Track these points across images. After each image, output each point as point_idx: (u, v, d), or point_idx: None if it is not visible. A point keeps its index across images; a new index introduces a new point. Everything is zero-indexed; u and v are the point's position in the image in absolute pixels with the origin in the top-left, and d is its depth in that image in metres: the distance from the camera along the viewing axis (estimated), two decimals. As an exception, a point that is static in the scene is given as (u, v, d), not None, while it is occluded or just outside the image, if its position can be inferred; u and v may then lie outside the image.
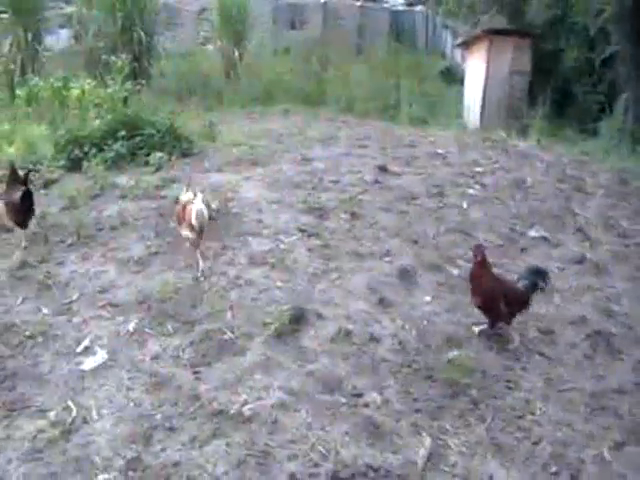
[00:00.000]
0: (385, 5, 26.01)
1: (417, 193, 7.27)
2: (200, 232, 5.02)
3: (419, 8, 24.45)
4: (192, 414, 3.56)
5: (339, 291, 4.96)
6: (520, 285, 4.52)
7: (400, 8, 25.60)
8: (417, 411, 3.71)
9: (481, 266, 4.42)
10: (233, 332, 4.30)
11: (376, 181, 7.53)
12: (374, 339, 4.35)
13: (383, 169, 7.94)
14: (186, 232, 5.08)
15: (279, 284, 4.97)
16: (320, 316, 4.53)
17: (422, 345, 4.35)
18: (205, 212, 4.97)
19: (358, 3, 24.63)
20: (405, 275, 5.23)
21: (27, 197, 5.63)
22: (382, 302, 4.83)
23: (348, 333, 4.35)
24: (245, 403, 3.63)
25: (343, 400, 3.72)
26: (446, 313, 4.77)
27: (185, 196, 5.20)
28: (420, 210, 6.77)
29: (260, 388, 3.76)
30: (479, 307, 4.49)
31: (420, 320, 4.65)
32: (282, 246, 5.62)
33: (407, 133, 10.92)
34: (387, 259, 5.55)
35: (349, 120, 12.37)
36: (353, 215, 6.41)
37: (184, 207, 5.08)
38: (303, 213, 6.38)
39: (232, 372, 3.90)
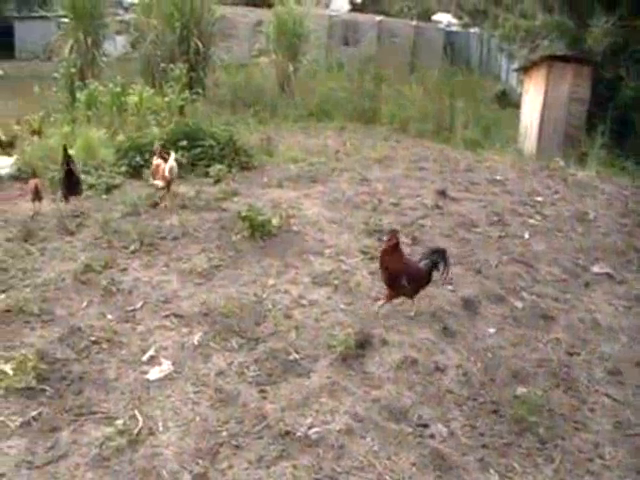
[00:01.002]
0: (440, 26, 26.01)
1: (477, 220, 7.21)
2: (170, 182, 6.97)
3: (474, 30, 24.30)
4: (258, 433, 3.54)
5: (402, 317, 4.92)
6: (422, 264, 4.93)
7: (454, 29, 25.55)
8: (484, 446, 3.65)
9: (393, 249, 4.84)
10: (298, 352, 4.28)
11: (436, 206, 7.49)
12: (439, 369, 4.29)
13: (442, 194, 7.89)
14: (158, 182, 7.02)
15: (342, 306, 4.95)
16: (385, 342, 4.48)
17: (487, 379, 4.28)
18: (175, 168, 6.96)
19: (413, 22, 24.70)
20: (469, 305, 5.16)
21: (70, 176, 6.60)
22: (446, 331, 4.76)
23: (413, 361, 4.29)
24: (312, 426, 3.60)
25: (409, 429, 3.68)
26: (512, 347, 4.68)
27: (156, 160, 7.07)
28: (482, 238, 6.70)
29: (326, 412, 3.73)
30: (385, 281, 4.93)
31: (485, 352, 4.58)
32: (344, 267, 5.59)
33: (463, 157, 10.86)
34: (450, 287, 5.48)
35: (404, 140, 12.37)
36: (414, 240, 6.35)
37: (157, 166, 7.01)
38: (364, 235, 6.35)
39: (298, 393, 3.88)
